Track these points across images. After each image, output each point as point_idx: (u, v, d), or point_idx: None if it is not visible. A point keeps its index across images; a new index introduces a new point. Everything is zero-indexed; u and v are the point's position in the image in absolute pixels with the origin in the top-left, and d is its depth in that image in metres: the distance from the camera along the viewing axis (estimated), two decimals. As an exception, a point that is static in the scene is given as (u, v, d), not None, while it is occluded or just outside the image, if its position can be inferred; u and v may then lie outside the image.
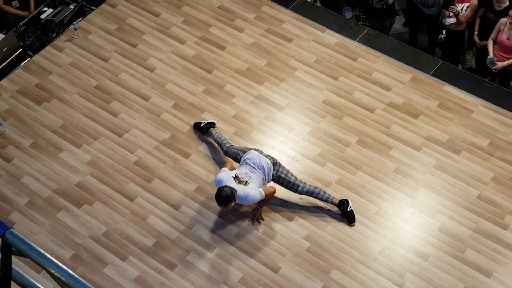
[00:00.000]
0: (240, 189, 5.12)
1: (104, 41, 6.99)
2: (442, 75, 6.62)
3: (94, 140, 6.16)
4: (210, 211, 5.66)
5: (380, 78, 6.59)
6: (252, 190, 5.15)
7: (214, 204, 5.67)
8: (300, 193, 5.50)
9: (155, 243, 5.48)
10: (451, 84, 6.53)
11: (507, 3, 6.56)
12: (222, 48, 6.91)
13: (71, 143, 6.15)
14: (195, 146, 6.10)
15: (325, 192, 5.53)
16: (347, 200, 5.56)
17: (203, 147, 6.08)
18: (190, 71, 6.70)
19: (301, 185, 5.47)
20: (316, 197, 5.52)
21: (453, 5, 6.70)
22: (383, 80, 6.57)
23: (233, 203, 5.11)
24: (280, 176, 5.44)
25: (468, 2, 6.70)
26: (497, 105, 6.35)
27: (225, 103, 6.43)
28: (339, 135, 6.16)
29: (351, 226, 5.52)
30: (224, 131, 6.16)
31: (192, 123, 6.24)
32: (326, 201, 5.54)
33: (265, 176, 5.34)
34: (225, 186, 5.10)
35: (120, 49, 6.91)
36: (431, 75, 6.62)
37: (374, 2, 7.02)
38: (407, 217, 5.61)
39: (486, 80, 6.60)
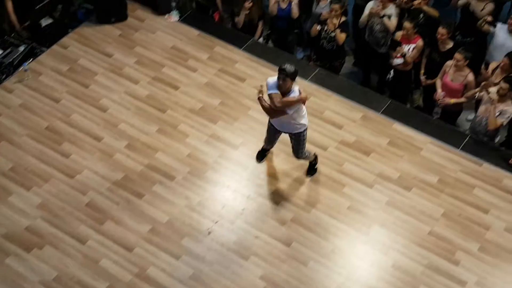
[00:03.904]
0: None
1: (56, 82, 6.91)
2: (392, 113, 6.78)
3: (45, 182, 6.03)
4: (165, 253, 5.57)
5: (332, 117, 6.70)
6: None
7: (169, 244, 5.62)
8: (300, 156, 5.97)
9: (107, 287, 5.35)
10: (401, 122, 6.70)
11: (451, 45, 6.81)
12: (176, 87, 6.92)
13: (20, 186, 6.00)
14: (148, 186, 6.04)
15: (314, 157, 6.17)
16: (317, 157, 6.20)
17: (156, 187, 6.02)
18: (143, 111, 6.68)
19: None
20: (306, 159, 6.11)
21: (400, 47, 6.92)
22: (335, 119, 6.69)
23: (286, 86, 5.54)
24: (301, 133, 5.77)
25: (415, 43, 6.93)
26: (445, 142, 6.54)
27: (179, 143, 6.41)
28: (293, 173, 6.20)
29: (307, 176, 6.15)
30: (179, 171, 6.14)
31: (146, 163, 6.19)
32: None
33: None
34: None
35: (72, 89, 6.84)
36: (381, 113, 6.78)
37: (324, 44, 7.18)
38: (361, 255, 5.65)
39: (434, 118, 6.78)
